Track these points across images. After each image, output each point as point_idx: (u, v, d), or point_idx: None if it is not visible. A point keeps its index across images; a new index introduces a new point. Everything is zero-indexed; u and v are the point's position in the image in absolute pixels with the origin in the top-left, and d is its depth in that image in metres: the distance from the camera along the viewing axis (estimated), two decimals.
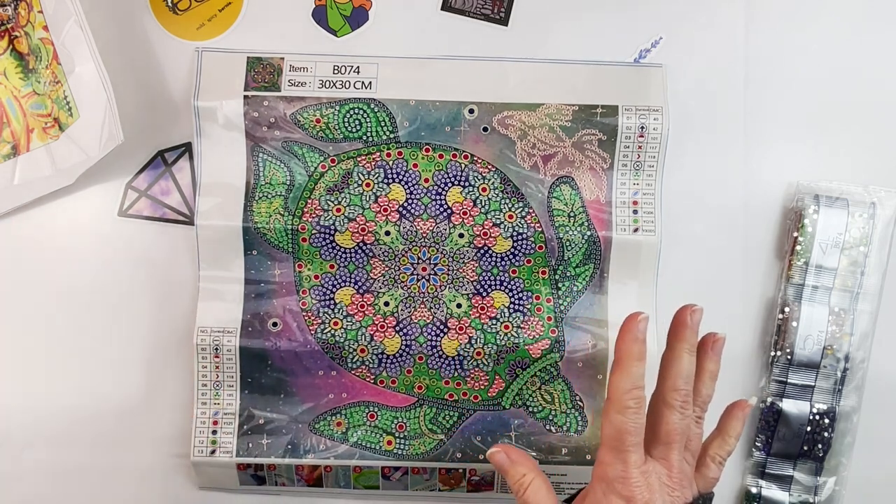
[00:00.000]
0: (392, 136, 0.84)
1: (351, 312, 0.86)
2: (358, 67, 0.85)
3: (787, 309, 0.85)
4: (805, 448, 0.85)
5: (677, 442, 0.70)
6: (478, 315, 0.86)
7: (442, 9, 0.86)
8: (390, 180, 0.84)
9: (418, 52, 0.86)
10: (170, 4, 0.86)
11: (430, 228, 0.84)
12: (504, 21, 0.86)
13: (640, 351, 0.71)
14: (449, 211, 0.84)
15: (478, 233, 0.84)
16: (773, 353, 0.85)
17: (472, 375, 0.86)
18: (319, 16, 0.86)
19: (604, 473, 0.69)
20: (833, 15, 0.86)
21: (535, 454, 0.85)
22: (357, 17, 0.86)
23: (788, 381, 0.85)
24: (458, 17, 0.86)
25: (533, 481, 0.72)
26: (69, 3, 0.78)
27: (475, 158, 0.84)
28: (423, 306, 0.86)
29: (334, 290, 0.86)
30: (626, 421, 0.68)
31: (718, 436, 0.75)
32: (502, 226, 0.84)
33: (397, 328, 0.86)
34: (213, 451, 0.85)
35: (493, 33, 0.86)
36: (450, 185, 0.84)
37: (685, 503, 0.69)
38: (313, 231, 0.84)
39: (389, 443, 0.86)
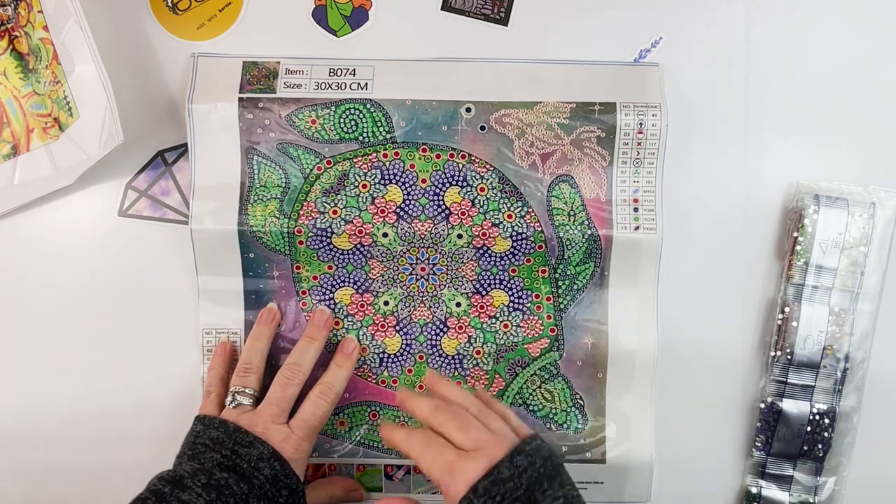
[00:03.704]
0: (388, 136, 0.84)
1: (351, 312, 0.86)
2: (354, 70, 0.84)
3: (787, 309, 0.84)
4: (805, 448, 0.85)
5: (469, 428, 0.72)
6: (477, 314, 0.86)
7: (442, 9, 0.86)
8: (387, 181, 0.84)
9: (418, 52, 0.86)
10: (170, 4, 0.86)
11: (429, 229, 0.84)
12: (504, 21, 0.86)
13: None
14: (447, 211, 0.84)
15: (477, 233, 0.84)
16: (773, 353, 0.85)
17: (472, 374, 0.86)
18: (319, 16, 0.86)
19: (444, 493, 0.72)
20: (833, 15, 0.86)
21: None
22: (357, 17, 0.86)
23: (788, 381, 0.85)
24: (458, 18, 0.86)
25: None
26: (69, 3, 0.78)
27: (473, 158, 0.84)
28: (422, 305, 0.86)
29: (333, 290, 0.86)
30: (419, 446, 0.74)
31: None
32: (501, 226, 0.84)
33: (397, 327, 0.86)
34: None
35: (493, 33, 0.86)
36: (447, 185, 0.84)
37: None
38: (310, 234, 0.84)
39: None
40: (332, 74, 0.84)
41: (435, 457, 0.71)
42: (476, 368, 0.86)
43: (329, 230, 0.84)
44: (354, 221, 0.84)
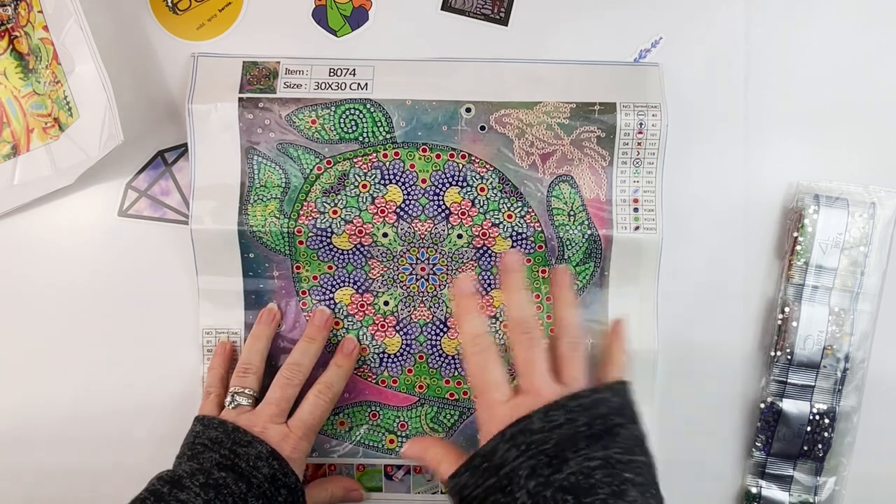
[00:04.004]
0: (388, 136, 0.84)
1: (351, 312, 0.86)
2: (354, 70, 0.84)
3: (787, 309, 0.84)
4: (805, 448, 0.85)
5: (534, 369, 0.70)
6: None
7: (442, 9, 0.86)
8: (387, 181, 0.84)
9: (418, 52, 0.86)
10: (170, 4, 0.86)
11: (429, 230, 0.84)
12: (504, 21, 0.86)
13: (472, 304, 0.74)
14: (447, 212, 0.84)
15: (477, 233, 0.84)
16: (773, 353, 0.85)
17: None
18: (319, 16, 0.86)
19: (478, 422, 0.71)
20: (833, 15, 0.86)
21: None
22: (357, 17, 0.86)
23: (788, 381, 0.85)
24: (458, 18, 0.86)
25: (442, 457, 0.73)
26: (69, 3, 0.78)
27: (473, 158, 0.84)
28: (422, 305, 0.86)
29: (333, 290, 0.86)
30: (476, 364, 0.71)
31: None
32: (501, 226, 0.84)
33: (397, 327, 0.86)
34: None
35: (493, 33, 0.86)
36: (447, 185, 0.84)
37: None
38: (310, 234, 0.84)
39: (392, 441, 0.87)
40: (332, 74, 0.84)
41: (483, 390, 0.70)
42: None
43: (329, 230, 0.84)
44: (354, 221, 0.84)
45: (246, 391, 0.81)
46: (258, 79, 0.84)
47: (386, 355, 0.86)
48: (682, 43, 0.86)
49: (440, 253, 0.85)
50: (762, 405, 0.86)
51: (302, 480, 0.78)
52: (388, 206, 0.84)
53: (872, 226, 0.84)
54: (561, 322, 0.75)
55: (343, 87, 0.84)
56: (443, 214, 0.84)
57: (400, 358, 0.86)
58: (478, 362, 0.72)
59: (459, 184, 0.84)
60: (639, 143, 0.83)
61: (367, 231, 0.84)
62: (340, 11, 0.86)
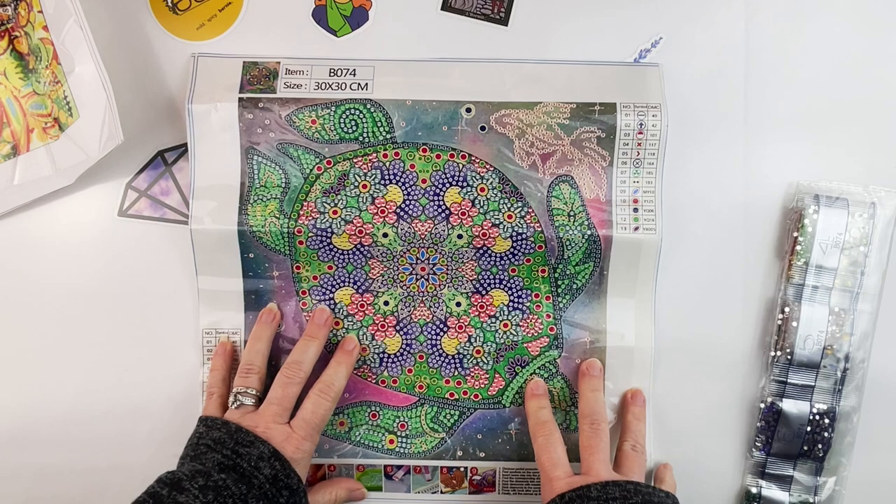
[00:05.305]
0: (389, 136, 0.84)
1: (351, 312, 0.86)
2: (354, 70, 0.84)
3: (787, 309, 0.84)
4: (805, 448, 0.85)
5: (595, 454, 0.80)
6: (477, 313, 0.86)
7: (442, 9, 0.86)
8: (387, 181, 0.84)
9: (418, 52, 0.86)
10: (170, 4, 0.86)
11: (429, 230, 0.84)
12: (504, 21, 0.86)
13: (545, 400, 0.86)
14: (447, 212, 0.84)
15: (477, 233, 0.84)
16: (773, 353, 0.85)
17: (472, 374, 0.86)
18: (319, 16, 0.86)
19: (542, 497, 0.81)
20: (833, 15, 0.86)
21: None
22: (357, 17, 0.86)
23: (788, 381, 0.85)
24: (458, 18, 0.86)
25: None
26: (69, 3, 0.78)
27: (473, 158, 0.84)
28: (422, 305, 0.86)
29: (333, 290, 0.86)
30: (541, 446, 0.82)
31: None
32: (501, 226, 0.84)
33: (397, 327, 0.86)
34: None
35: (493, 33, 0.86)
36: (448, 185, 0.84)
37: None
38: (310, 234, 0.84)
39: (391, 441, 0.87)
40: (332, 74, 0.84)
41: (546, 468, 0.80)
42: (476, 368, 0.86)
43: (329, 230, 0.84)
44: (354, 221, 0.84)
45: (249, 391, 0.81)
46: (258, 79, 0.84)
47: (386, 355, 0.86)
48: (682, 43, 0.86)
49: (440, 253, 0.85)
50: (762, 405, 0.86)
51: (306, 482, 0.78)
52: (388, 207, 0.84)
53: (872, 226, 0.84)
54: (630, 428, 0.85)
55: (343, 87, 0.84)
56: (443, 214, 0.84)
57: (400, 358, 0.86)
58: (542, 444, 0.82)
59: (459, 184, 0.84)
60: (639, 144, 0.83)
61: (367, 231, 0.84)
62: (340, 11, 0.86)
